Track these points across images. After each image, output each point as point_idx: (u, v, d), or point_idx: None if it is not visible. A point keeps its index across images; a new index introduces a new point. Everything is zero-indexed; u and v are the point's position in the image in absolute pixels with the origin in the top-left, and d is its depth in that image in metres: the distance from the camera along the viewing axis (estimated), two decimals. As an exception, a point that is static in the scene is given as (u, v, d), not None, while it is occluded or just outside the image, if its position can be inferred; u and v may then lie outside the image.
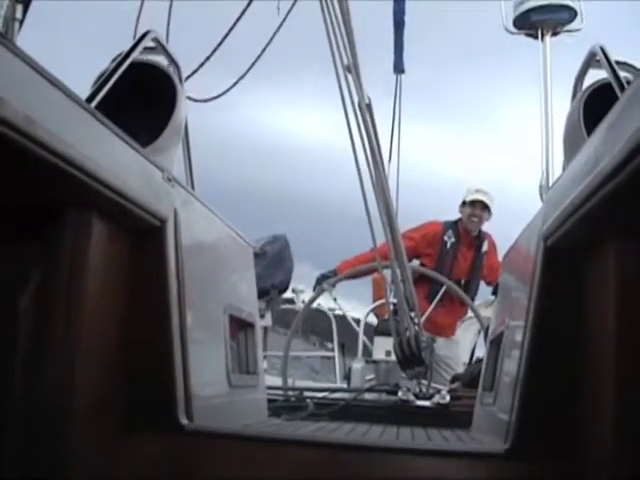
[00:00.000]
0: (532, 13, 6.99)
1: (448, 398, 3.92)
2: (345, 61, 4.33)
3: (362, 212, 4.14)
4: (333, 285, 6.18)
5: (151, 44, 2.88)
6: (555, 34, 7.11)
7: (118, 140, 1.97)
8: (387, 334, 5.43)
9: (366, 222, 4.55)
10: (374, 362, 5.55)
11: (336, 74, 4.35)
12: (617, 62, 2.47)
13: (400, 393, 3.95)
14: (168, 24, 3.92)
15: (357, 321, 6.74)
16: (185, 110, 2.84)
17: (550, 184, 6.93)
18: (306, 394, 4.20)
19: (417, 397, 3.96)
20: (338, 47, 4.26)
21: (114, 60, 2.76)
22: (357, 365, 5.50)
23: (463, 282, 6.59)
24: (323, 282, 6.21)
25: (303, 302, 7.89)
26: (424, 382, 4.33)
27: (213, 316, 2.68)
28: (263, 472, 2.09)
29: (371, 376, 5.65)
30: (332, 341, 7.86)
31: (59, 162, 1.59)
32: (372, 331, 6.40)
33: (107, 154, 1.89)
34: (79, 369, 1.93)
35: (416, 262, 6.62)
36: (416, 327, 4.08)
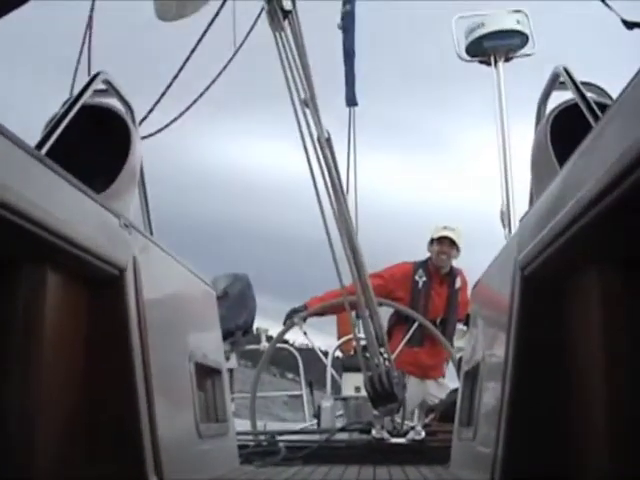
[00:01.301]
0: (484, 40, 7.00)
1: (423, 434, 3.82)
2: (302, 95, 4.28)
3: (323, 243, 4.09)
4: (304, 319, 6.07)
5: (102, 86, 2.78)
6: (508, 60, 7.14)
7: (71, 188, 1.88)
8: (355, 370, 5.34)
9: (329, 256, 4.49)
10: (343, 399, 5.43)
11: (293, 108, 4.29)
12: (582, 82, 2.43)
13: (374, 431, 3.85)
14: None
15: (325, 354, 6.62)
16: (140, 152, 2.74)
17: (510, 209, 6.94)
18: (277, 437, 4.07)
19: (391, 434, 3.86)
20: (295, 81, 4.21)
21: (64, 104, 2.67)
22: (326, 403, 5.38)
23: (439, 321, 6.50)
24: (293, 316, 6.09)
25: (268, 341, 7.77)
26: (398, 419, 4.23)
27: (178, 365, 2.57)
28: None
29: (340, 412, 5.54)
30: (299, 378, 7.74)
31: (8, 214, 1.49)
32: (340, 367, 6.31)
33: (60, 203, 1.79)
34: (38, 427, 1.81)
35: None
36: (387, 363, 3.99)
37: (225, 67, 4.74)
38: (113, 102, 2.82)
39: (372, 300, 4.08)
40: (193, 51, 4.56)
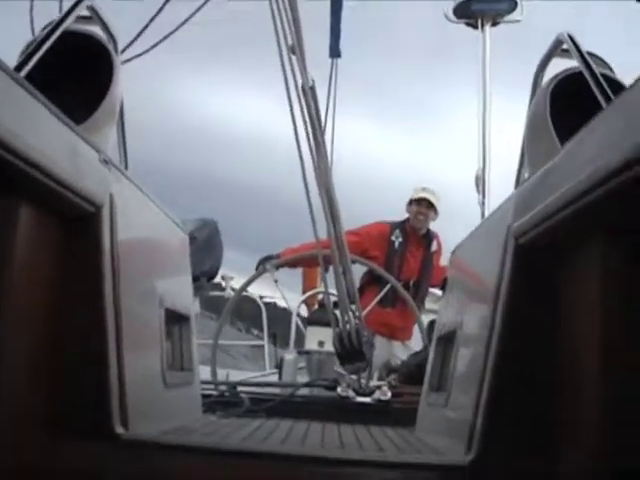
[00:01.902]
0: (472, 2, 6.95)
1: (389, 394, 3.78)
2: (290, 41, 4.16)
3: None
4: (276, 267, 5.99)
5: (86, 13, 2.64)
6: (495, 24, 7.08)
7: (50, 116, 1.76)
8: (320, 324, 5.29)
9: (303, 210, 4.39)
10: (306, 353, 5.38)
11: (279, 54, 4.17)
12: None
13: (339, 389, 3.80)
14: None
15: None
16: (122, 85, 2.62)
17: (485, 174, 6.90)
18: (241, 389, 4.01)
19: (357, 393, 3.81)
20: (283, 27, 4.09)
21: (44, 28, 2.53)
22: (289, 356, 5.35)
23: (412, 283, 6.46)
24: (266, 262, 6.00)
25: (232, 289, 7.69)
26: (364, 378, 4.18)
27: (148, 310, 2.48)
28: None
29: (302, 364, 5.50)
30: (262, 329, 7.70)
31: None
32: (304, 321, 6.26)
33: (37, 132, 1.68)
34: (1, 366, 1.72)
35: None
36: (357, 321, 3.94)
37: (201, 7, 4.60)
38: (96, 30, 2.69)
39: (346, 256, 4.01)
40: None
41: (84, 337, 1.97)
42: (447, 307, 3.14)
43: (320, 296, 6.63)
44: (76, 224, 1.94)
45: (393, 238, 6.52)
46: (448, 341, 2.84)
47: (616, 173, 1.34)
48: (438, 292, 7.25)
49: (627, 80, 2.44)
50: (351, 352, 3.90)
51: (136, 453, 1.95)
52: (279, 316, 6.70)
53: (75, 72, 2.49)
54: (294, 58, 4.19)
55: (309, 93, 4.19)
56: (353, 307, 4.01)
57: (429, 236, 6.68)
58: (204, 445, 2.12)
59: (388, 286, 5.86)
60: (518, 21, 7.06)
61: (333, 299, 4.32)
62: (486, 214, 6.83)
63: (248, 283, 6.22)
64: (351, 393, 3.79)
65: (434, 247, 6.67)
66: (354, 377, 3.91)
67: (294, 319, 6.17)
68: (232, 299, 6.04)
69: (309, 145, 4.28)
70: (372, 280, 6.11)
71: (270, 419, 3.42)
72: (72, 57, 2.44)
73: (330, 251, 3.99)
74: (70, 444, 1.89)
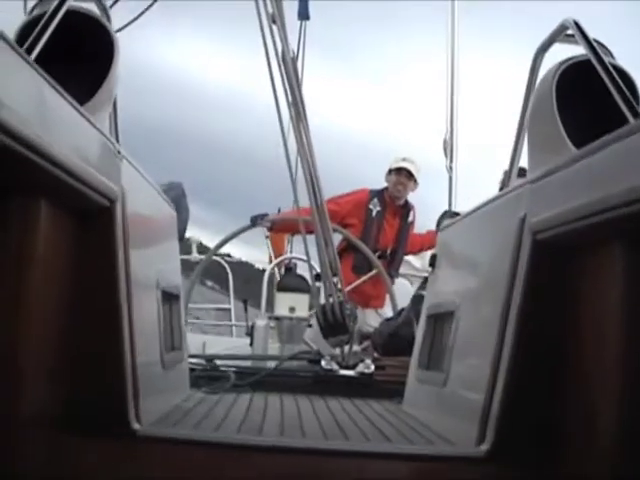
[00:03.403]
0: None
1: (372, 368, 3.81)
2: (270, 10, 4.10)
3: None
4: (270, 227, 6.03)
5: None
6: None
7: (70, 108, 1.71)
8: (290, 290, 5.30)
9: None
10: (277, 318, 5.39)
11: (260, 24, 4.11)
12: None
13: (323, 362, 3.81)
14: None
15: (263, 271, 6.56)
16: (120, 66, 2.56)
17: (453, 138, 6.93)
18: (228, 362, 4.01)
19: (340, 366, 3.83)
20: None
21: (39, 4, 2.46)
22: (260, 322, 5.33)
23: (389, 252, 6.49)
24: (258, 219, 5.97)
25: (199, 252, 7.67)
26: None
27: (151, 295, 2.47)
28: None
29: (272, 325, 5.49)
30: (229, 293, 7.70)
31: (5, 139, 1.34)
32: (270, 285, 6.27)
33: (55, 124, 1.62)
34: (23, 356, 1.72)
35: None
36: (339, 294, 3.95)
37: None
38: (90, 6, 2.62)
39: (328, 228, 4.01)
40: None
41: (100, 328, 1.95)
42: (438, 285, 3.15)
43: (287, 261, 6.65)
44: (90, 218, 1.90)
45: (371, 207, 6.52)
46: (442, 321, 2.86)
47: None
48: (412, 260, 7.31)
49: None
50: (334, 325, 3.92)
51: (151, 449, 1.95)
52: (250, 280, 6.67)
53: (73, 52, 2.42)
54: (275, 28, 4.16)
55: (290, 64, 4.16)
56: (335, 279, 4.03)
57: (407, 206, 6.70)
58: (217, 440, 2.12)
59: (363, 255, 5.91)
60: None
61: (317, 272, 4.34)
62: (454, 179, 6.89)
63: (232, 236, 6.13)
64: (335, 366, 3.81)
65: (411, 217, 6.69)
66: (337, 350, 3.93)
67: (264, 286, 6.16)
68: (206, 257, 6.02)
69: (290, 114, 4.26)
70: (348, 248, 6.12)
71: (257, 393, 3.44)
72: (71, 36, 2.36)
73: (312, 221, 4.00)
74: (86, 441, 1.89)
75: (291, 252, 7.53)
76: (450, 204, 6.76)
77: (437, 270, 3.22)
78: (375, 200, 6.55)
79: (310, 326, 5.30)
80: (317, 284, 4.54)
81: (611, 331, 1.69)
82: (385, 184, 6.66)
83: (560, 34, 2.53)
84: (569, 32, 2.46)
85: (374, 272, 5.89)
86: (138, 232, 2.22)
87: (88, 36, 2.46)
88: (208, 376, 3.63)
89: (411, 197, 6.75)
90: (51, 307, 1.82)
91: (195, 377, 3.47)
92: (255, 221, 5.94)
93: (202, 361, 3.94)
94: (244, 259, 6.98)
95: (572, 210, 1.69)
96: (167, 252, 2.96)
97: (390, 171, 6.60)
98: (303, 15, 7.27)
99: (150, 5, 3.60)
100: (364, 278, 5.94)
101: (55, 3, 2.25)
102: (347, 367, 3.84)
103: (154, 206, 2.67)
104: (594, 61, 2.22)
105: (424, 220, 7.25)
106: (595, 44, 2.34)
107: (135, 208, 2.16)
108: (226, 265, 7.67)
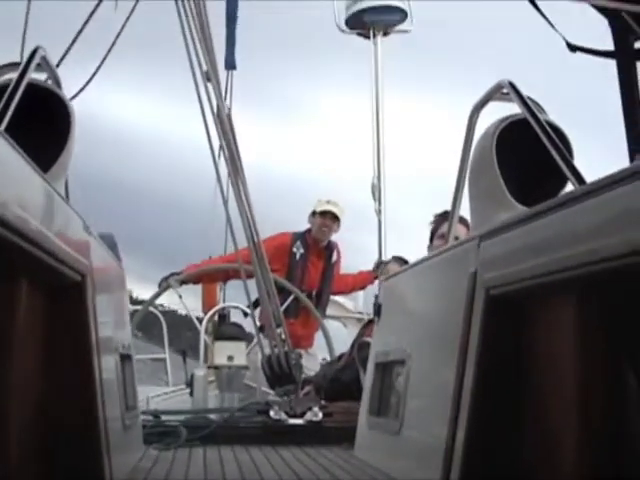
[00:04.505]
0: (364, 13, 7.11)
1: (320, 415, 3.88)
2: (204, 67, 4.19)
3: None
4: (180, 283, 6.03)
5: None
6: (386, 34, 7.26)
7: (36, 177, 1.70)
8: (228, 338, 5.34)
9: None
10: (216, 367, 5.41)
11: (194, 81, 4.19)
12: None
13: (272, 412, 3.87)
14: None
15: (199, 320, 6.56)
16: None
17: (381, 183, 7.07)
18: (172, 417, 4.03)
19: (289, 415, 3.89)
20: (196, 53, 4.11)
21: None
22: (200, 372, 5.35)
23: (314, 293, 6.57)
24: (170, 278, 6.02)
25: (133, 304, 7.63)
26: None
27: (113, 361, 2.51)
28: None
29: (211, 378, 5.52)
30: (163, 344, 7.67)
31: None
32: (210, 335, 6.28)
33: (28, 198, 1.61)
34: (2, 421, 1.72)
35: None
36: (284, 344, 4.02)
37: (123, 25, 4.58)
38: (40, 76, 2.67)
39: (270, 281, 4.09)
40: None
41: (73, 391, 1.98)
42: (386, 334, 3.25)
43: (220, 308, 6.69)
44: (62, 291, 1.94)
45: (294, 249, 6.59)
46: (392, 369, 2.96)
47: (599, 251, 1.47)
48: (344, 301, 7.43)
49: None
50: (281, 375, 4.00)
51: None
52: (185, 329, 6.67)
53: (27, 119, 2.45)
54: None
55: (226, 120, 4.25)
56: (279, 330, 4.11)
57: (330, 246, 6.80)
58: None
59: (291, 297, 5.99)
60: (408, 31, 7.28)
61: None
62: (382, 221, 7.03)
63: (152, 299, 6.23)
64: (283, 416, 3.87)
65: (334, 257, 6.80)
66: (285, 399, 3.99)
67: (202, 335, 6.17)
68: (137, 314, 6.02)
69: (227, 168, 4.34)
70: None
71: (209, 447, 3.48)
72: (28, 107, 2.40)
73: (252, 268, 4.07)
74: None
75: (224, 299, 7.56)
76: (380, 246, 6.89)
77: (384, 320, 3.33)
78: (298, 243, 6.63)
79: (247, 368, 5.34)
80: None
81: (564, 378, 1.79)
82: (308, 225, 6.77)
83: (496, 93, 2.67)
84: (504, 91, 2.60)
85: (291, 298, 5.97)
86: (103, 301, 2.26)
87: (42, 104, 2.51)
88: (158, 432, 3.64)
89: (338, 237, 6.89)
90: (28, 374, 1.84)
91: (146, 435, 3.48)
92: (166, 281, 6.02)
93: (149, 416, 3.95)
94: (174, 307, 6.94)
95: (525, 269, 1.81)
96: (121, 313, 3.00)
97: (314, 213, 6.70)
98: (230, 64, 7.32)
99: (97, 70, 3.67)
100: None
101: (17, 75, 2.30)
102: (295, 416, 3.90)
103: (110, 270, 2.71)
104: (530, 119, 2.36)
105: (351, 261, 7.37)
106: (529, 102, 2.49)
107: (100, 278, 2.21)
108: (159, 315, 7.65)
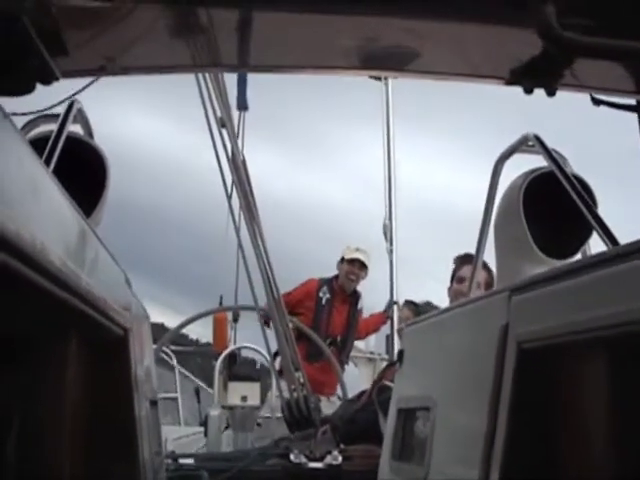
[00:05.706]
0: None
1: (340, 459, 3.91)
2: (219, 114, 4.26)
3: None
4: None
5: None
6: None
7: (87, 229, 1.71)
8: (241, 379, 5.38)
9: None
10: (230, 408, 5.44)
11: (209, 128, 4.26)
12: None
13: (292, 456, 3.89)
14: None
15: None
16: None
17: (392, 223, 7.13)
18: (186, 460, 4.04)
19: (308, 459, 3.91)
20: (211, 100, 4.18)
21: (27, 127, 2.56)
22: (214, 412, 5.38)
23: (340, 339, 6.61)
24: None
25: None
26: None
27: (147, 408, 2.53)
28: None
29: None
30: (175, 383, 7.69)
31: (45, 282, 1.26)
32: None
33: (77, 249, 1.57)
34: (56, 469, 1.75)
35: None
36: (303, 389, 4.05)
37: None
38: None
39: (287, 324, 4.13)
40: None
41: (117, 442, 2.01)
42: (408, 380, 3.28)
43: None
44: (107, 349, 1.97)
45: (321, 294, 6.66)
46: (415, 415, 2.98)
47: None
48: (361, 345, 7.48)
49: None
50: (300, 420, 4.02)
51: None
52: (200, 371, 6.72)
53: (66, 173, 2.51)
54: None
55: (241, 167, 4.31)
56: (298, 374, 4.14)
57: (356, 294, 6.86)
58: None
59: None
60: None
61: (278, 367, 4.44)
62: (394, 261, 7.08)
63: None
64: (303, 459, 3.89)
65: (360, 304, 6.85)
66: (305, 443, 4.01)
67: (216, 376, 6.20)
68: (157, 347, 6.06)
69: (242, 212, 4.40)
70: (300, 336, 6.25)
71: None
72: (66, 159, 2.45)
73: (271, 319, 4.11)
74: None
75: (235, 338, 7.61)
76: (392, 287, 6.94)
77: (406, 364, 3.35)
78: (325, 288, 6.70)
79: (260, 408, 5.38)
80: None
81: (597, 435, 1.82)
82: (336, 271, 6.82)
83: (521, 145, 2.72)
84: (530, 143, 2.66)
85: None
86: (139, 351, 2.29)
87: (79, 157, 2.57)
88: (179, 476, 3.66)
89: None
90: (77, 428, 1.87)
91: (168, 477, 3.50)
92: None
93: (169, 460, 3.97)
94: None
95: (558, 325, 1.84)
96: (150, 358, 3.03)
97: (342, 259, 6.76)
98: (242, 105, 7.41)
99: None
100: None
101: (57, 127, 2.35)
102: (315, 459, 3.92)
103: (144, 320, 2.75)
104: (558, 173, 2.41)
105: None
106: (555, 155, 2.54)
107: (137, 329, 2.24)
108: (170, 353, 7.68)
